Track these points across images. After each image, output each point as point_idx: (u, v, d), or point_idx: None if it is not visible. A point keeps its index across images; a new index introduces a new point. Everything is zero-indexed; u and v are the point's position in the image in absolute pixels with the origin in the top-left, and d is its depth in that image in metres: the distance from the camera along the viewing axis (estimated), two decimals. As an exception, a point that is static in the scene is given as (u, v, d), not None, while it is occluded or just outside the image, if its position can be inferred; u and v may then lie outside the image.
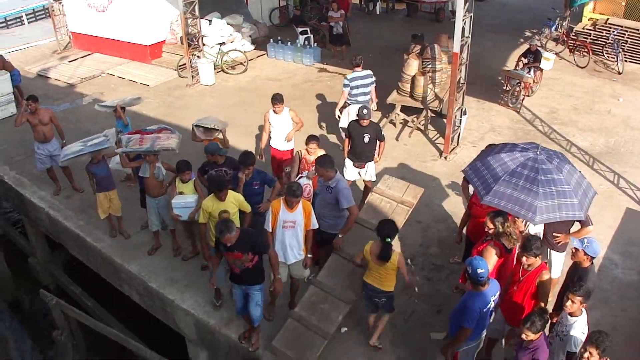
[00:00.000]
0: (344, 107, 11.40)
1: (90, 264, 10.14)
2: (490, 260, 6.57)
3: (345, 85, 11.18)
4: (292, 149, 9.99)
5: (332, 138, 12.48)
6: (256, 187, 8.26)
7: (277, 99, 9.73)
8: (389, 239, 6.73)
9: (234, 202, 7.55)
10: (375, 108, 11.47)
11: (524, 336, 5.62)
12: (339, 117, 11.46)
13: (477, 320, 6.02)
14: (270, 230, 7.34)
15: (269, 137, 10.11)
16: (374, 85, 11.36)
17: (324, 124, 13.20)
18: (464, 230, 8.19)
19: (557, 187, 6.67)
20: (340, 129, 11.44)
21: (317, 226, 7.50)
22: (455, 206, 10.03)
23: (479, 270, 5.91)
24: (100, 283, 10.49)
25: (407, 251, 8.91)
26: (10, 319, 12.41)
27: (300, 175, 8.62)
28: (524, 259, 6.24)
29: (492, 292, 6.10)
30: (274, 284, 7.14)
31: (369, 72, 11.27)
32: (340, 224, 7.88)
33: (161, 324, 9.21)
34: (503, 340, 7.08)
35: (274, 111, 9.81)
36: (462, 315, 6.02)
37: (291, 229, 7.29)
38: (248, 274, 6.83)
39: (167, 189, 8.77)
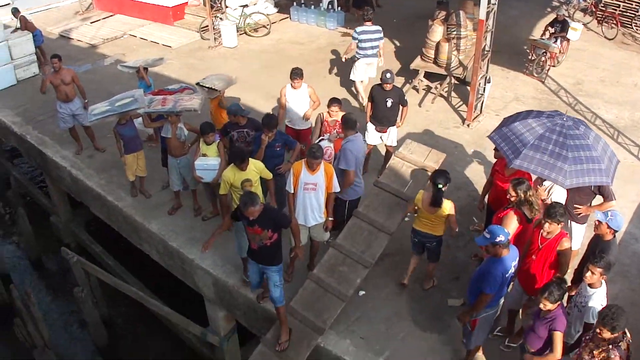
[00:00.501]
0: (353, 60, 11.87)
1: (111, 222, 10.24)
2: (510, 227, 6.53)
3: (353, 38, 11.56)
4: (310, 127, 9.58)
5: (354, 102, 12.40)
6: (278, 149, 8.22)
7: (296, 74, 9.29)
8: (440, 186, 6.92)
9: (255, 170, 7.48)
10: (382, 63, 11.87)
11: (541, 305, 5.61)
12: (345, 59, 12.36)
13: (499, 286, 6.02)
14: (292, 191, 7.34)
15: (285, 114, 9.70)
16: (382, 41, 11.68)
17: (345, 88, 13.10)
18: (486, 199, 8.14)
19: (585, 152, 6.66)
20: (354, 82, 12.25)
21: (338, 189, 7.47)
22: (476, 174, 9.96)
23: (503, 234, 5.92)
24: (121, 242, 10.64)
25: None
26: (32, 275, 12.65)
27: (321, 137, 8.59)
28: (546, 225, 6.18)
29: (512, 258, 6.09)
30: (295, 250, 7.14)
31: (379, 27, 11.54)
32: (349, 193, 7.93)
33: (180, 283, 9.31)
34: (520, 309, 7.08)
35: (292, 86, 9.40)
36: (484, 281, 6.00)
37: (312, 191, 7.27)
38: (265, 252, 6.78)
39: (189, 149, 8.80)
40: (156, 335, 10.94)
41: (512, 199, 6.69)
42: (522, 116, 7.35)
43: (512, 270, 6.11)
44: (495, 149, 8.22)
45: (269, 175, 7.66)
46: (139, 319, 11.16)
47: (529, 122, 7.08)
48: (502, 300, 6.50)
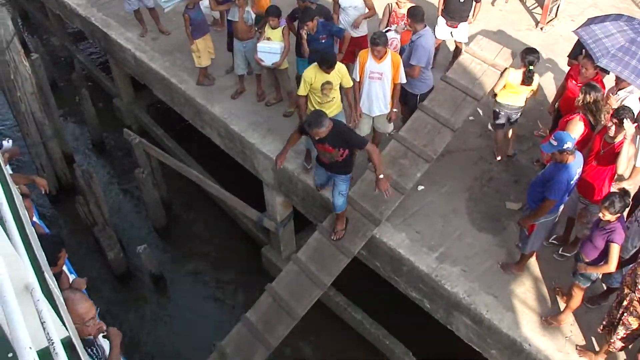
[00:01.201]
0: None
1: (174, 105, 10.32)
2: (575, 132, 6.38)
3: None
4: (366, 35, 8.80)
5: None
6: (323, 41, 7.88)
7: None
8: (532, 67, 7.18)
9: (338, 74, 7.09)
10: None
11: (600, 215, 5.52)
12: None
13: (563, 193, 5.92)
14: (358, 79, 7.22)
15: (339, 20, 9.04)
16: None
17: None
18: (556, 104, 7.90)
19: None
20: None
21: (405, 80, 7.31)
22: (545, 79, 9.55)
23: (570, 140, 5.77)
24: (182, 126, 10.76)
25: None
26: (94, 156, 13.02)
27: (388, 28, 8.32)
28: (612, 128, 6.01)
29: (578, 165, 5.97)
30: (378, 185, 6.73)
31: None
32: (420, 86, 7.72)
33: (239, 170, 9.45)
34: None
35: None
36: (550, 188, 5.91)
37: (378, 81, 7.14)
38: (336, 165, 6.74)
39: (255, 33, 8.69)
40: (213, 219, 11.23)
41: (580, 103, 6.49)
42: (613, 17, 6.96)
43: (576, 177, 6.01)
44: (569, 56, 7.97)
45: (349, 82, 7.24)
46: (197, 203, 11.45)
47: (620, 24, 6.72)
48: (562, 207, 6.41)
